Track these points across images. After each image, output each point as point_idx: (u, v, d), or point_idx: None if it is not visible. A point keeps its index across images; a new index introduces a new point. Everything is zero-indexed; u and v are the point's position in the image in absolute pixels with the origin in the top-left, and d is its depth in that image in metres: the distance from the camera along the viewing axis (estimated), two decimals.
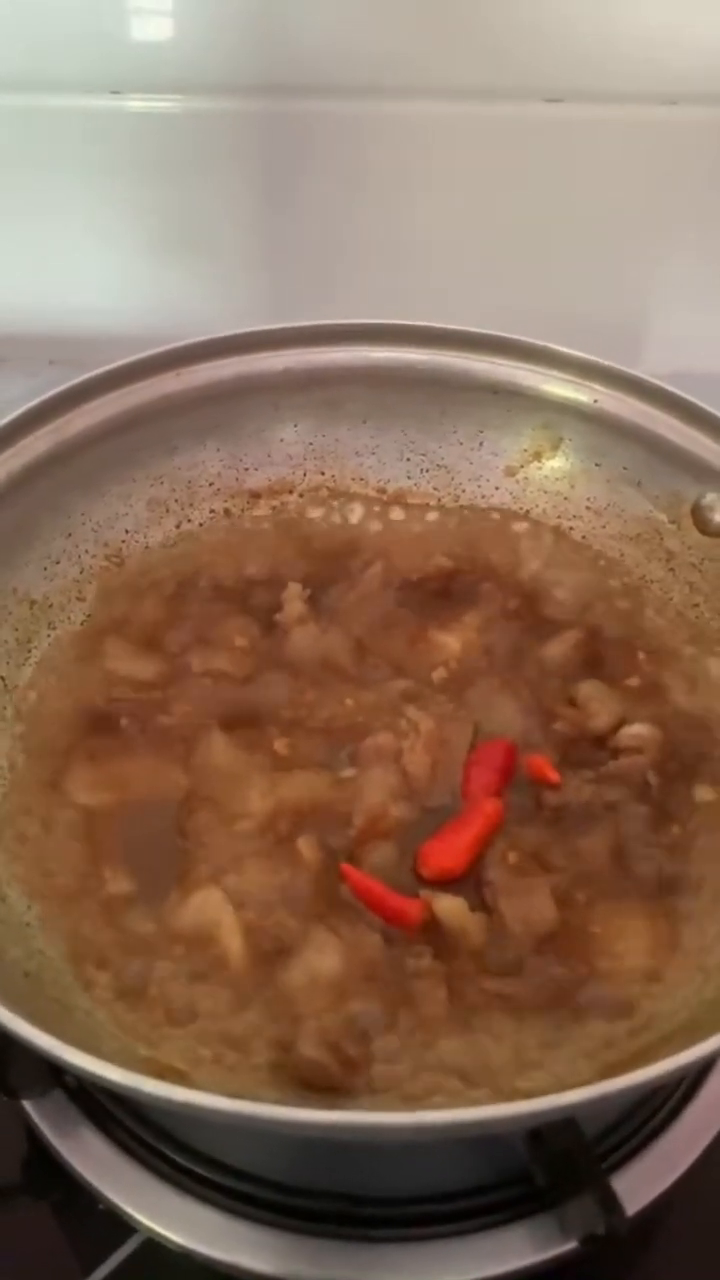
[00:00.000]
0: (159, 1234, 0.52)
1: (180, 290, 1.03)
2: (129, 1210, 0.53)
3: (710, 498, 0.66)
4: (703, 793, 0.58)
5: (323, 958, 0.51)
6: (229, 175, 0.96)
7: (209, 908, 0.52)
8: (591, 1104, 0.38)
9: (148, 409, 0.68)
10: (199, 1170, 0.54)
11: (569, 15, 0.88)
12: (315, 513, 0.74)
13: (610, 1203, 0.48)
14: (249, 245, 1.01)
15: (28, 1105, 0.56)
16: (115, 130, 0.95)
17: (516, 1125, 0.38)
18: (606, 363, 0.68)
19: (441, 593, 0.70)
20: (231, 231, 1.00)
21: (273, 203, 0.99)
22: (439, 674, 0.65)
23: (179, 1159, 0.54)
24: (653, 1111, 0.56)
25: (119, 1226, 0.54)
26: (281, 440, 0.74)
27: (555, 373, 0.70)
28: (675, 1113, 0.55)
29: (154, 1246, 0.53)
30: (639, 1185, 0.53)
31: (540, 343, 0.69)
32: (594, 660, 0.65)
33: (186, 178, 0.97)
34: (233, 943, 0.51)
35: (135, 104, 0.93)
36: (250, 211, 0.99)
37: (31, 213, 1.00)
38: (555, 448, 0.72)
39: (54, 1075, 0.54)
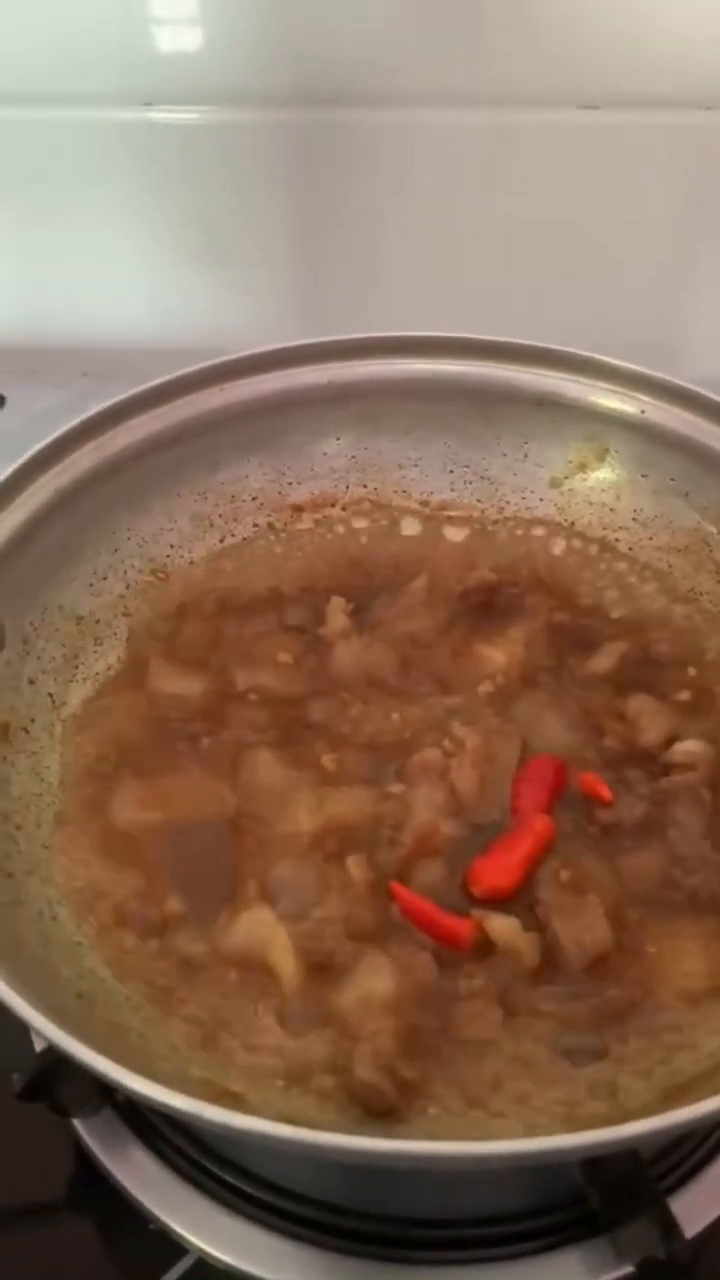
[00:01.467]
0: (210, 1254, 0.52)
1: (211, 301, 1.03)
2: (180, 1230, 0.53)
3: None
4: None
5: (376, 979, 0.50)
6: (259, 186, 0.97)
7: (259, 927, 0.52)
8: (655, 1135, 0.37)
9: (190, 425, 0.68)
10: (249, 1190, 0.54)
11: (602, 21, 0.87)
12: (358, 525, 0.74)
13: (670, 1226, 0.47)
14: (279, 255, 1.01)
15: (77, 1123, 0.56)
16: (144, 143, 0.95)
17: (578, 1155, 0.38)
18: (654, 373, 0.68)
19: (486, 606, 0.69)
20: (261, 242, 1.00)
21: (303, 212, 0.99)
22: (485, 688, 0.64)
23: (229, 1179, 0.54)
24: (710, 1131, 0.55)
25: (170, 1247, 0.53)
26: (324, 454, 0.74)
27: (601, 383, 0.69)
28: None
29: (204, 1267, 0.53)
30: (696, 1208, 0.52)
31: (586, 353, 0.69)
32: (642, 674, 0.65)
33: (217, 189, 0.97)
34: (285, 963, 0.51)
35: (164, 116, 0.94)
36: (280, 221, 0.99)
37: (62, 225, 1.01)
38: (601, 459, 0.72)
39: (104, 1094, 0.54)
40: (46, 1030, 0.42)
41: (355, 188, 0.97)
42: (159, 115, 0.94)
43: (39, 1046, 0.52)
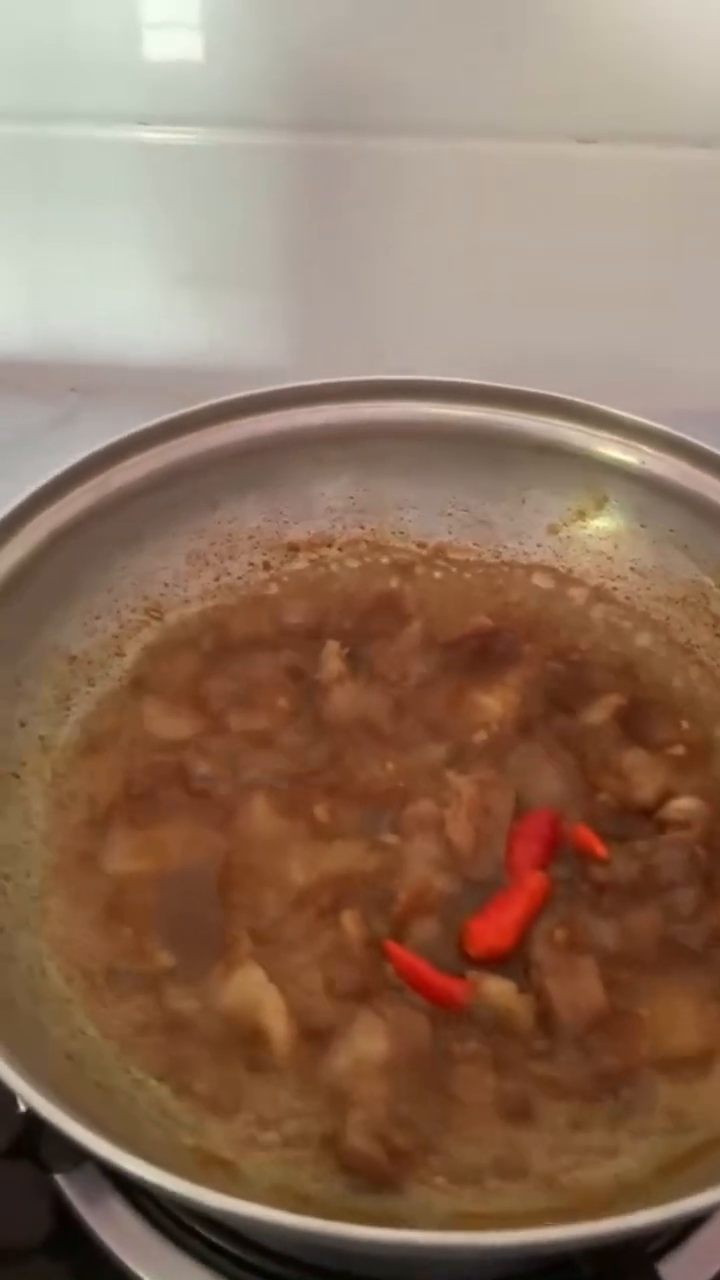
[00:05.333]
0: None
1: (201, 322, 1.03)
2: None
3: None
4: None
5: (370, 1042, 0.49)
6: (253, 208, 0.97)
7: (250, 987, 0.51)
8: (656, 1226, 0.37)
9: (188, 464, 0.68)
10: (229, 1248, 0.53)
11: (602, 56, 0.88)
12: (354, 566, 0.73)
13: None
14: (271, 279, 1.01)
15: (59, 1177, 0.55)
16: (139, 161, 0.95)
17: (575, 1246, 0.37)
18: (655, 425, 0.67)
19: (482, 652, 0.68)
20: (254, 265, 1.00)
21: (298, 238, 0.99)
22: (479, 737, 0.64)
23: (209, 1235, 0.53)
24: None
25: None
26: (322, 494, 0.73)
27: (603, 433, 0.69)
28: None
29: None
30: (687, 1271, 0.52)
31: (588, 402, 0.69)
32: (637, 727, 0.64)
33: (211, 210, 0.97)
34: (277, 1025, 0.50)
35: (161, 136, 0.94)
36: (274, 246, 0.99)
37: (53, 241, 1.00)
38: (600, 508, 0.71)
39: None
40: (30, 1098, 0.41)
41: (351, 214, 0.97)
42: (155, 135, 0.94)
43: (24, 1105, 0.51)
